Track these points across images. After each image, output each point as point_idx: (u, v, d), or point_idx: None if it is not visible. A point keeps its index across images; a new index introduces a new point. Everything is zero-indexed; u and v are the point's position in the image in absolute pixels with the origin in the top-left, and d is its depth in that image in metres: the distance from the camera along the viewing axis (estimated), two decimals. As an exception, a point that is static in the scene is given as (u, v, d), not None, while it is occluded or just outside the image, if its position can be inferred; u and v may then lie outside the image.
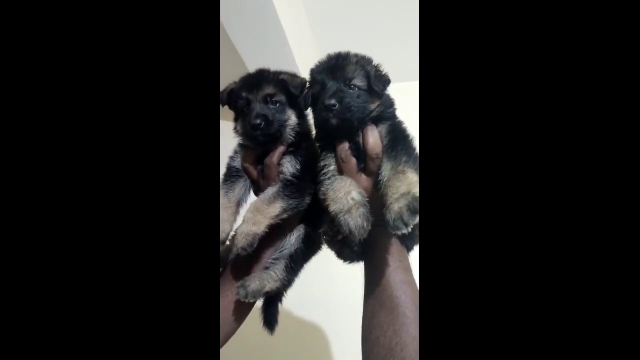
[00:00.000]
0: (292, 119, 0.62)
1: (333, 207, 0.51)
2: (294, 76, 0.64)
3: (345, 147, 0.57)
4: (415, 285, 0.55)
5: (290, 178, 0.59)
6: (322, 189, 0.55)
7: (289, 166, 0.60)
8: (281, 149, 0.61)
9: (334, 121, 0.55)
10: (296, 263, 0.62)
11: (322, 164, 0.58)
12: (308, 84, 0.61)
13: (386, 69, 0.61)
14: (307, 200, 0.60)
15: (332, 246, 0.68)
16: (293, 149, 0.62)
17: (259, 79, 0.62)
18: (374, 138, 0.55)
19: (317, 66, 0.60)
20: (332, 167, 0.57)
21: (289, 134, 0.62)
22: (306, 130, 0.65)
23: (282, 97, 0.61)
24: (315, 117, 0.60)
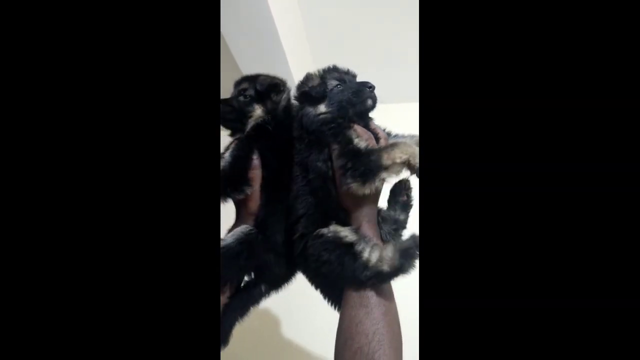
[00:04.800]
0: (257, 111, 0.62)
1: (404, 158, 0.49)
2: (267, 76, 0.66)
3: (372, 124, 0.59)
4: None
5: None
6: (389, 149, 0.50)
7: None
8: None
9: (370, 102, 0.57)
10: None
11: (354, 137, 0.54)
12: (318, 81, 0.60)
13: (387, 88, 0.64)
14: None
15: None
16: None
17: (246, 78, 0.66)
18: (377, 128, 0.60)
19: (324, 71, 0.62)
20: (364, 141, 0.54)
21: (250, 123, 0.61)
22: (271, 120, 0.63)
23: (251, 92, 0.63)
24: (336, 103, 0.58)
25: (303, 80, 0.61)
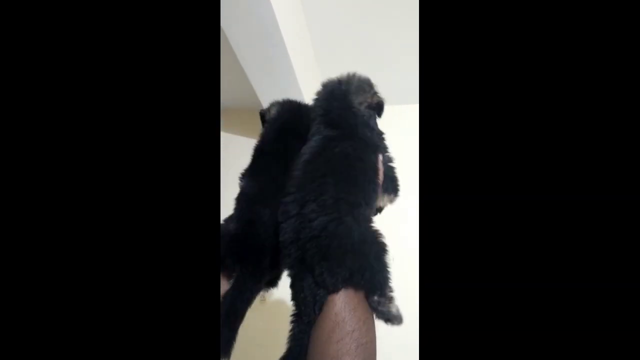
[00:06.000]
0: None
1: None
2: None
3: None
4: None
5: None
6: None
7: None
8: None
9: None
10: None
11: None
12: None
13: (389, 90, 0.64)
14: None
15: None
16: None
17: None
18: None
19: None
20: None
21: None
22: None
23: None
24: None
25: (374, 88, 0.60)
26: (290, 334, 0.47)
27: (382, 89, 0.61)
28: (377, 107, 0.58)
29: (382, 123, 0.63)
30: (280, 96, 1.34)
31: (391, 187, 0.55)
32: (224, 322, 0.52)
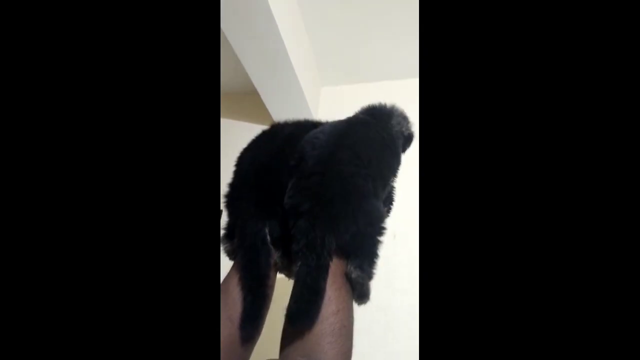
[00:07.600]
0: None
1: None
2: None
3: None
4: None
5: None
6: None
7: None
8: None
9: None
10: None
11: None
12: None
13: (386, 65, 0.63)
14: None
15: None
16: None
17: None
18: None
19: None
20: None
21: None
22: None
23: None
24: None
25: (412, 124, 0.65)
26: (301, 285, 0.43)
27: (382, 63, 0.60)
28: (407, 138, 0.64)
29: (382, 99, 0.65)
30: (275, 80, 1.32)
31: (387, 206, 0.61)
32: (250, 287, 0.47)
